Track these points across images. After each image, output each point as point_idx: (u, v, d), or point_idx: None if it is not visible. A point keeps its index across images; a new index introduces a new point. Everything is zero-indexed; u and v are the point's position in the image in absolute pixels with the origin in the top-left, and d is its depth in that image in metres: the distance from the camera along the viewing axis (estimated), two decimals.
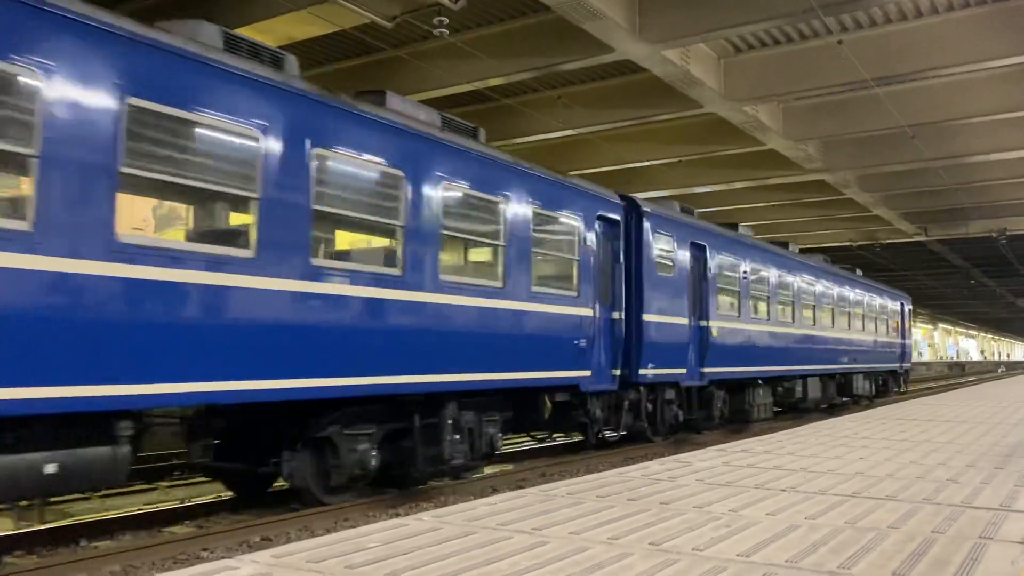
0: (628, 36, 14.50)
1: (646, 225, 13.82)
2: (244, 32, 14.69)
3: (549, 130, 20.56)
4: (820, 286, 22.06)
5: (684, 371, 14.85)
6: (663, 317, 14.13)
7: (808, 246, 34.52)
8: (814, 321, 21.44)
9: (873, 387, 27.36)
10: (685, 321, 14.91)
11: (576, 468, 12.60)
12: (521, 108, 20.01)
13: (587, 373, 12.03)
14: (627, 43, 14.81)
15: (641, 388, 13.76)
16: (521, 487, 10.48)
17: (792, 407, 20.76)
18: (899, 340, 30.56)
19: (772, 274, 19.01)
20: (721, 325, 16.19)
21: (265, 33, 14.76)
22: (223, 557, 7.06)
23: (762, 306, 18.67)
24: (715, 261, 16.19)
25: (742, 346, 17.28)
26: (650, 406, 14.23)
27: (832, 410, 23.10)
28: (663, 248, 14.39)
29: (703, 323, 15.68)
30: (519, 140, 21.22)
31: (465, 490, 10.49)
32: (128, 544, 7.45)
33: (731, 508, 5.05)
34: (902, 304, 31.17)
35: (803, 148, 22.04)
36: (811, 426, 10.69)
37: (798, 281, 20.60)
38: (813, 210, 31.59)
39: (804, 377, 20.71)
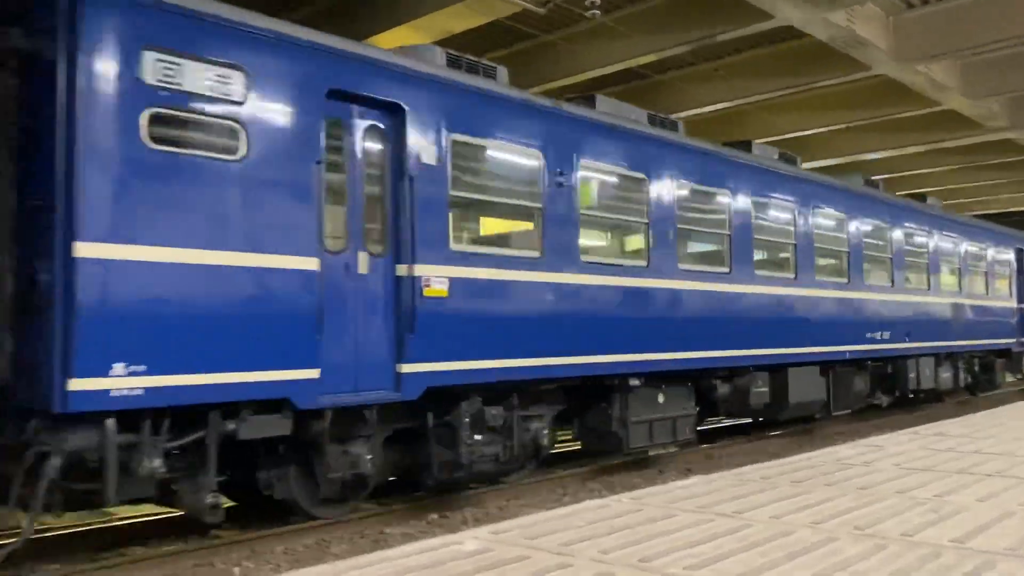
0: (788, 1, 13.94)
1: None
2: (403, 30, 15.30)
3: (705, 104, 20.11)
4: (852, 221, 14.34)
5: None
6: None
7: (992, 212, 32.02)
8: (835, 273, 13.82)
9: (964, 375, 18.26)
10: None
11: (730, 452, 12.40)
12: (675, 83, 19.65)
13: None
14: (787, 8, 14.22)
15: None
16: (689, 472, 10.49)
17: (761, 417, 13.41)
18: (1014, 304, 20.70)
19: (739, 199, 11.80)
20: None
21: (421, 30, 15.25)
22: (407, 533, 7.52)
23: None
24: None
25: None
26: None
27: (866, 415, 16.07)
28: None
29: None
30: (673, 117, 20.90)
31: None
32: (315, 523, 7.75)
33: (935, 493, 4.89)
34: (1019, 252, 21.32)
35: (986, 106, 20.45)
36: (1011, 407, 10.04)
37: (800, 213, 12.98)
38: (996, 173, 29.26)
39: (779, 367, 12.27)
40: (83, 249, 5.63)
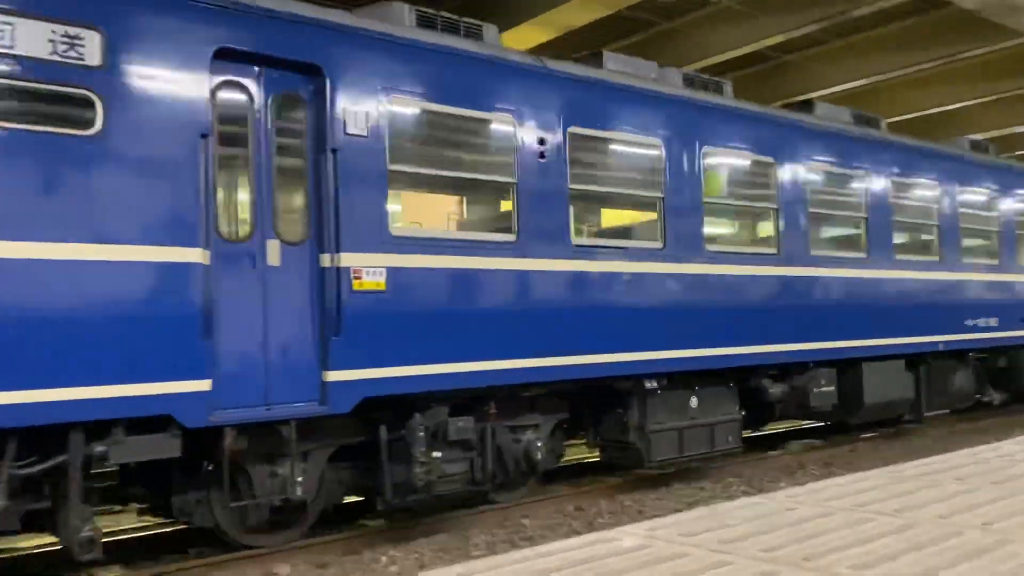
0: None
1: None
2: (525, 28, 15.39)
3: (835, 83, 19.29)
4: (942, 188, 12.19)
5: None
6: None
7: None
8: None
9: (986, 385, 13.54)
10: None
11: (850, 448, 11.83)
12: (803, 63, 18.95)
13: None
14: None
15: None
16: (830, 467, 10.09)
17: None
18: None
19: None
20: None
21: (546, 25, 15.32)
22: (546, 525, 7.58)
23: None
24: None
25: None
26: None
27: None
28: None
29: None
30: (803, 98, 20.15)
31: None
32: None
33: None
34: None
35: None
36: None
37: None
38: None
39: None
40: None
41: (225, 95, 6.20)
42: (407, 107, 7.07)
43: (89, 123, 5.47)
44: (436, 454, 7.04)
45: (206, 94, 5.96)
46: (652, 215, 8.91)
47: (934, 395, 12.00)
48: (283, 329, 6.29)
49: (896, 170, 11.59)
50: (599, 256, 8.17)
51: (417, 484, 6.88)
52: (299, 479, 6.35)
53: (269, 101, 6.38)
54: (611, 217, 9.71)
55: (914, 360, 11.59)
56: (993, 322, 12.58)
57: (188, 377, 5.71)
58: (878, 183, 11.24)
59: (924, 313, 11.57)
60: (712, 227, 9.47)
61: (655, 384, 8.53)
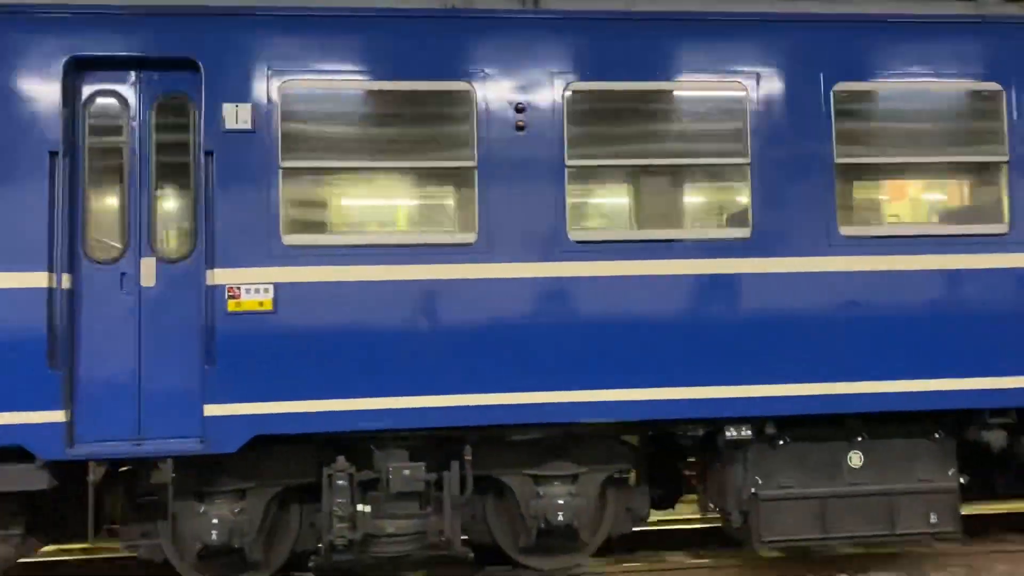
0: None
1: None
2: None
3: None
4: None
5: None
6: None
7: None
8: None
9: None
10: None
11: None
12: None
13: None
14: None
15: None
16: None
17: None
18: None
19: None
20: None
21: None
22: None
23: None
24: None
25: None
26: None
27: None
28: None
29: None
30: None
31: None
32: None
33: None
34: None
35: None
36: None
37: None
38: None
39: None
40: None
41: (97, 105, 5.86)
42: (311, 90, 5.98)
43: None
44: (362, 508, 5.90)
45: (57, 108, 5.61)
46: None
47: None
48: (160, 357, 5.73)
49: None
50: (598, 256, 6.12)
51: (336, 542, 5.82)
52: (215, 522, 5.79)
53: (150, 106, 5.89)
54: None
55: None
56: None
57: (39, 408, 5.46)
58: None
59: None
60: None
61: (772, 431, 6.23)
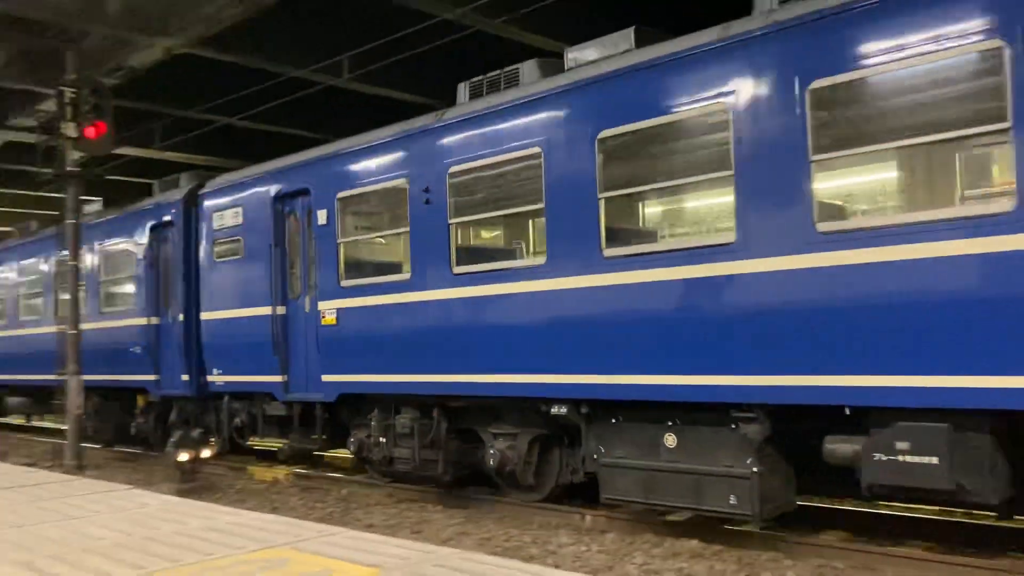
0: None
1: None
2: None
3: None
4: None
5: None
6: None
7: None
8: None
9: None
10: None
11: None
12: None
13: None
14: None
15: None
16: None
17: None
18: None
19: None
20: None
21: None
22: None
23: None
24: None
25: None
26: None
27: None
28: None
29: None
30: None
31: None
32: None
33: None
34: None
35: None
36: None
37: None
38: None
39: None
40: None
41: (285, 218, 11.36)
42: (352, 195, 10.44)
43: None
44: (380, 438, 9.99)
45: (271, 220, 11.26)
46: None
47: None
48: (312, 349, 10.91)
49: None
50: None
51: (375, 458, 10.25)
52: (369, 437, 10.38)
53: (305, 213, 10.98)
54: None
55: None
56: None
57: (273, 374, 11.14)
58: None
59: None
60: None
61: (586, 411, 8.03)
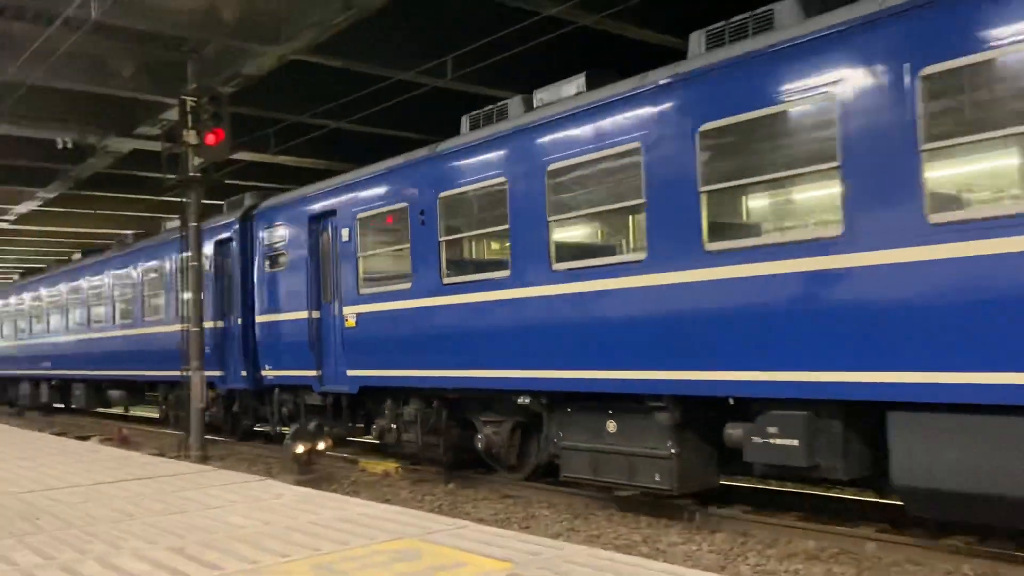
0: None
1: None
2: None
3: None
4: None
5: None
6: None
7: None
8: None
9: None
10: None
11: None
12: None
13: None
14: None
15: None
16: None
17: None
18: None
19: None
20: None
21: None
22: None
23: None
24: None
25: None
26: None
27: None
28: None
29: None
30: None
31: None
32: None
33: None
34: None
35: None
36: None
37: None
38: None
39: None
40: None
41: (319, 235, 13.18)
42: (369, 217, 12.14)
43: None
44: (392, 425, 11.59)
45: (306, 237, 13.13)
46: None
47: None
48: (347, 348, 12.46)
49: None
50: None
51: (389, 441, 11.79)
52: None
53: (333, 231, 12.74)
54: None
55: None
56: None
57: (309, 368, 13.02)
58: None
59: None
60: None
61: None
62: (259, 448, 15.28)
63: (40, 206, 27.04)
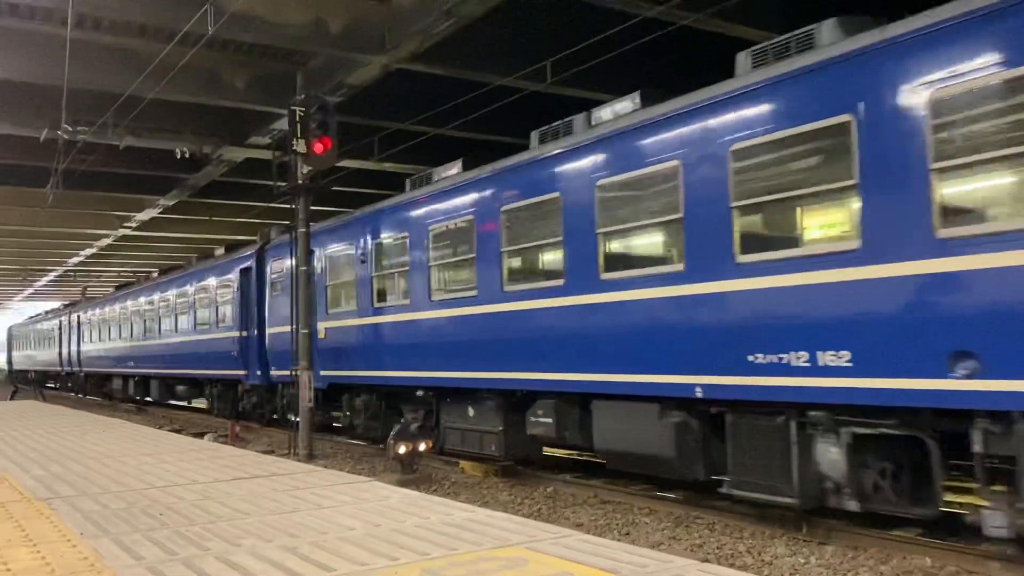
0: None
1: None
2: None
3: None
4: None
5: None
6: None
7: None
8: None
9: None
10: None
11: None
12: None
13: None
14: None
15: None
16: None
17: None
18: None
19: None
20: None
21: None
22: None
23: None
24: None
25: None
26: None
27: None
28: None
29: None
30: None
31: None
32: None
33: None
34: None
35: None
36: None
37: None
38: None
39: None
40: None
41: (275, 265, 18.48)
42: (333, 254, 16.19)
43: None
44: (347, 414, 15.58)
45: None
46: None
47: None
48: (319, 355, 15.66)
49: None
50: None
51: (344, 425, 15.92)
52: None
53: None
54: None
55: None
56: None
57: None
58: None
59: None
60: None
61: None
62: (335, 442, 15.71)
63: (160, 213, 28.54)
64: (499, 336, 11.03)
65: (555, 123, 10.85)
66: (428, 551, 4.15)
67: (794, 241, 7.70)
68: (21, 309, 74.77)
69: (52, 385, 47.54)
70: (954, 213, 6.57)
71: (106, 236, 33.68)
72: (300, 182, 13.94)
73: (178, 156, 18.96)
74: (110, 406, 31.47)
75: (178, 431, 16.99)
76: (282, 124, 15.61)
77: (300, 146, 13.09)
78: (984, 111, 6.28)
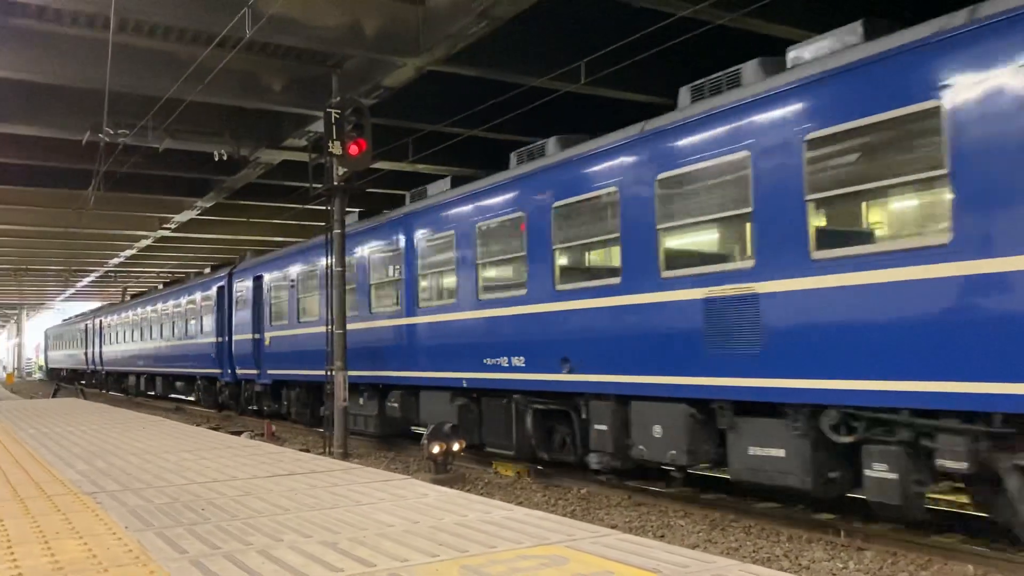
0: None
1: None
2: None
3: None
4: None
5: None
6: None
7: None
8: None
9: None
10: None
11: None
12: None
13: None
14: None
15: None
16: None
17: None
18: None
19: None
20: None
21: None
22: None
23: None
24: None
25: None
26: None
27: None
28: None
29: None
30: None
31: None
32: None
33: None
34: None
35: None
36: None
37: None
38: None
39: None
40: None
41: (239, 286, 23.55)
42: (275, 280, 21.16)
43: None
44: (286, 403, 19.96)
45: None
46: None
47: None
48: (264, 357, 20.77)
49: None
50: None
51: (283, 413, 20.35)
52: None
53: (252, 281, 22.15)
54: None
55: None
56: None
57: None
58: None
59: None
60: None
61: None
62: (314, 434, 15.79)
63: (198, 215, 28.96)
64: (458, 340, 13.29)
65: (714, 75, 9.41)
66: (467, 548, 4.17)
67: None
68: (63, 309, 76.36)
69: (83, 383, 50.15)
70: None
71: (145, 237, 34.26)
72: (336, 183, 14.07)
73: (216, 158, 19.23)
74: (127, 400, 35.24)
75: (215, 429, 17.24)
76: (318, 126, 15.75)
77: (335, 148, 13.21)
78: None
